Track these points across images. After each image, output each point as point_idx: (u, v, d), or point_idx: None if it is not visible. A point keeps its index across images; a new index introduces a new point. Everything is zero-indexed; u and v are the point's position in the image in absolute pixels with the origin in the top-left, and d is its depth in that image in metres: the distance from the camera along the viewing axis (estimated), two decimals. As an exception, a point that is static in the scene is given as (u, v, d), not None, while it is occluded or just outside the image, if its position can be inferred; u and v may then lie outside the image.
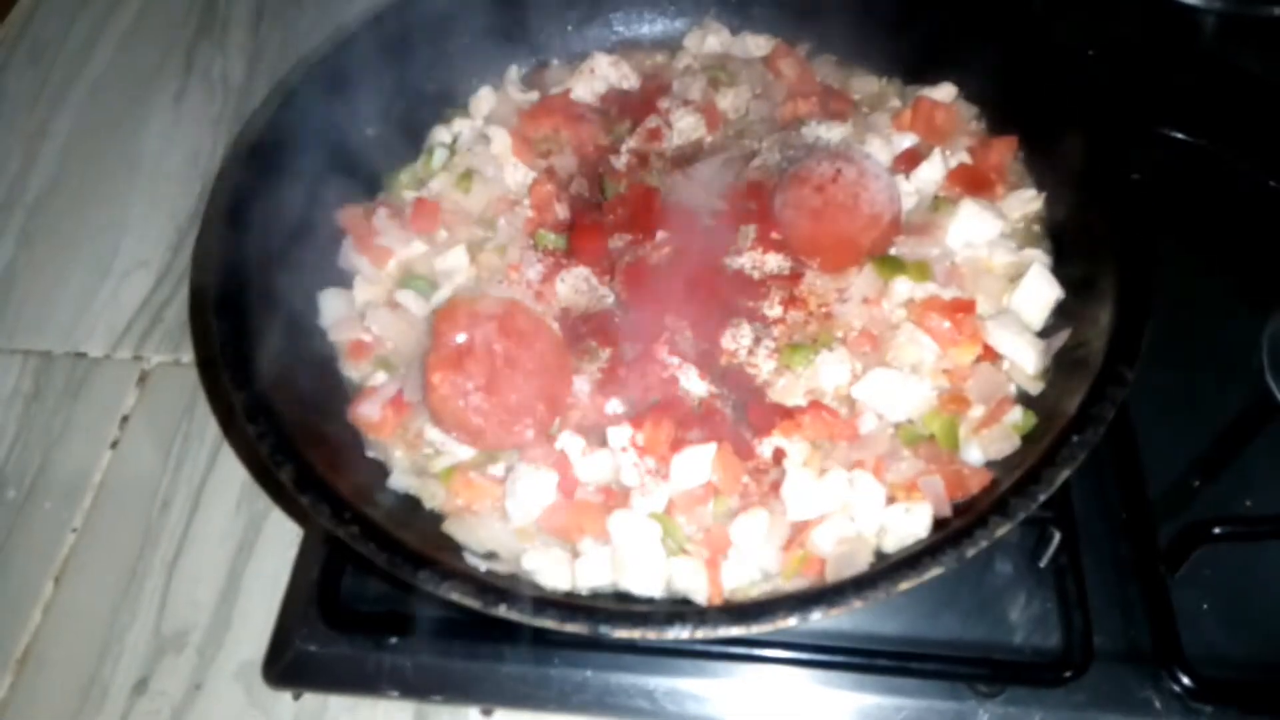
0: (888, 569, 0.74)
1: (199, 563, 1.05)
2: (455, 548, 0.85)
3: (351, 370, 0.99)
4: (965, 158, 1.07)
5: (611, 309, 1.00)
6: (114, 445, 1.15)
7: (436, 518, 0.88)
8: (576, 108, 1.17)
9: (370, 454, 0.93)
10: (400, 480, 0.91)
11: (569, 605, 0.74)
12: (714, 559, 0.83)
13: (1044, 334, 0.94)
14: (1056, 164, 1.02)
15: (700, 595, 0.81)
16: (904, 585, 0.72)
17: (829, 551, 0.83)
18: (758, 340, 0.95)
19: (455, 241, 1.06)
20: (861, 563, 0.81)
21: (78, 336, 1.25)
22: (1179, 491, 0.98)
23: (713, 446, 0.86)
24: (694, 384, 0.93)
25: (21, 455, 1.15)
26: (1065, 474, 0.76)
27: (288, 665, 0.92)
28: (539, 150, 1.14)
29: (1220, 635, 0.90)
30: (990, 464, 0.87)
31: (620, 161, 1.13)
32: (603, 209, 1.08)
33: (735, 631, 0.72)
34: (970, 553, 0.73)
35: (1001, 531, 0.74)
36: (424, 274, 1.04)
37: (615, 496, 0.87)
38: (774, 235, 1.02)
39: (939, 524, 0.83)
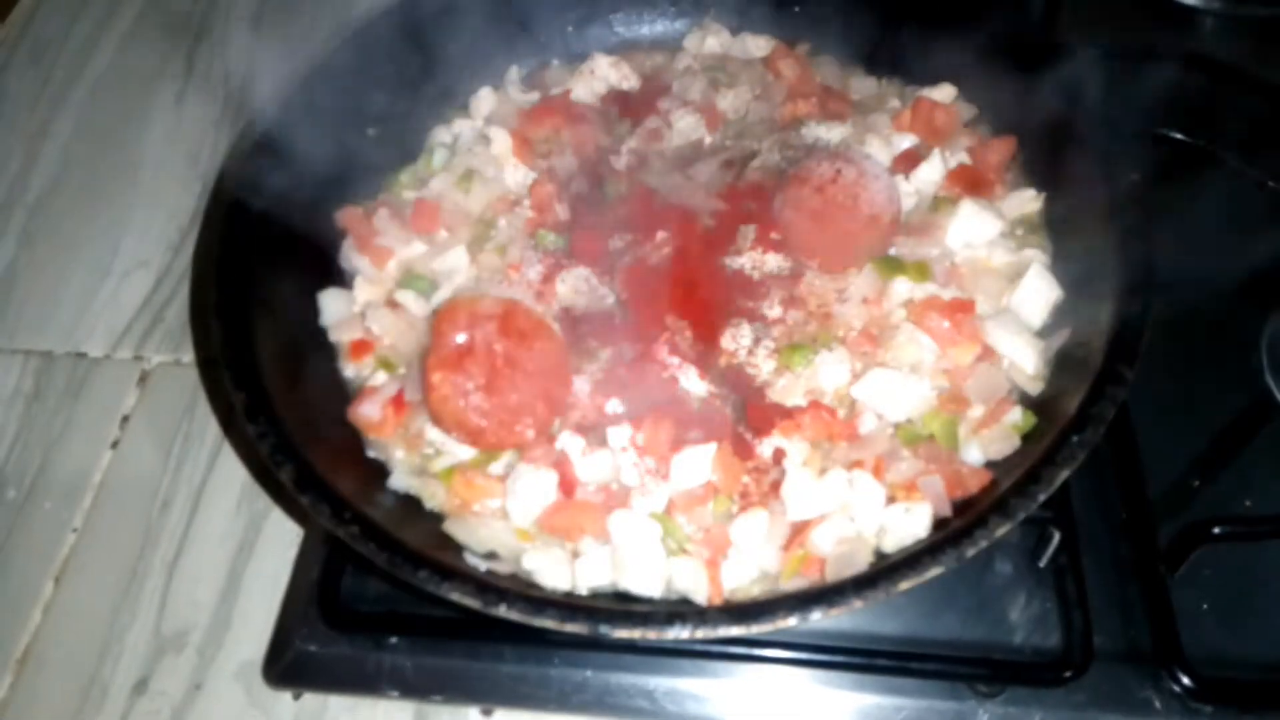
0: (887, 569, 0.74)
1: (199, 563, 1.05)
2: (455, 548, 0.85)
3: (352, 370, 0.99)
4: (965, 158, 1.07)
5: (611, 309, 1.00)
6: (114, 445, 1.15)
7: (437, 518, 0.89)
8: (577, 108, 1.17)
9: (370, 454, 0.93)
10: (400, 480, 0.91)
11: (569, 605, 0.74)
12: (714, 559, 0.83)
13: (1043, 334, 0.94)
14: (1056, 164, 1.02)
15: (700, 595, 0.81)
16: (904, 585, 0.72)
17: (829, 551, 0.83)
18: (757, 340, 0.95)
19: (455, 242, 1.06)
20: (861, 562, 0.81)
21: (78, 336, 1.25)
22: (1179, 491, 0.98)
23: (713, 446, 0.86)
24: (694, 384, 0.93)
25: (22, 455, 1.15)
26: (1065, 474, 0.76)
27: (288, 665, 0.92)
28: (539, 151, 1.14)
29: (1220, 635, 0.89)
30: (990, 464, 0.87)
31: (620, 162, 1.13)
32: (603, 209, 1.08)
33: (735, 631, 0.72)
34: (970, 553, 0.73)
35: (1001, 531, 0.74)
36: (424, 274, 1.04)
37: (615, 496, 0.87)
38: (774, 235, 1.02)
39: (939, 524, 0.83)
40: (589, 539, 0.85)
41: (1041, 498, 0.75)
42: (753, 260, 1.02)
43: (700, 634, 0.71)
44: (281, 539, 1.06)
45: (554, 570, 0.82)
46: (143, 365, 1.22)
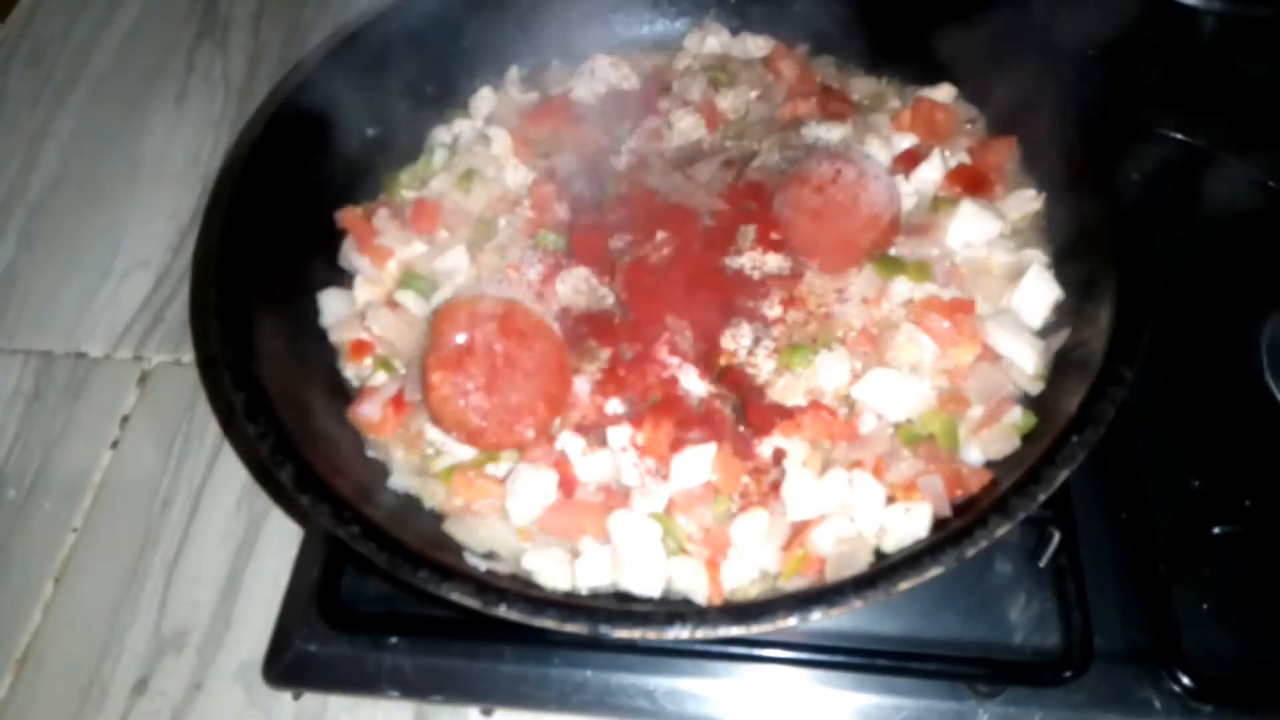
0: (887, 569, 0.74)
1: (199, 563, 1.05)
2: (455, 548, 0.85)
3: (352, 370, 0.99)
4: (965, 158, 1.07)
5: (611, 309, 1.00)
6: (114, 445, 1.15)
7: (437, 517, 0.89)
8: (577, 108, 1.17)
9: (370, 454, 0.93)
10: (400, 480, 0.91)
11: (569, 605, 0.74)
12: (714, 559, 0.83)
13: (1043, 334, 0.94)
14: (1056, 164, 1.02)
15: (700, 595, 0.81)
16: (904, 585, 0.72)
17: (829, 551, 0.83)
18: (757, 340, 0.95)
19: (456, 241, 1.06)
20: (861, 562, 0.81)
21: (78, 336, 1.25)
22: (1178, 491, 0.98)
23: (712, 446, 0.86)
24: (694, 384, 0.93)
25: (22, 455, 1.15)
26: (1065, 474, 0.76)
27: (288, 665, 0.92)
28: (539, 150, 1.14)
29: (1220, 635, 0.89)
30: (990, 464, 0.87)
31: (620, 162, 1.13)
32: (603, 209, 1.08)
33: (735, 631, 0.72)
34: (970, 552, 0.73)
35: (1001, 531, 0.74)
36: (424, 274, 1.04)
37: (615, 496, 0.87)
38: (774, 235, 1.02)
39: (939, 524, 0.83)
40: (589, 539, 0.85)
41: (1041, 498, 0.75)
42: (753, 260, 1.02)
43: (700, 634, 0.71)
44: (281, 539, 1.06)
45: (554, 570, 0.82)
46: (143, 365, 1.22)
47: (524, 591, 0.77)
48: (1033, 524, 0.90)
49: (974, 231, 1.00)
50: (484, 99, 1.17)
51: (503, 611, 0.72)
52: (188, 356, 1.22)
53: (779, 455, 0.88)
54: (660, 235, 1.03)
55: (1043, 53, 1.05)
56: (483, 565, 0.82)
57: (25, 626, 1.02)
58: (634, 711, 0.89)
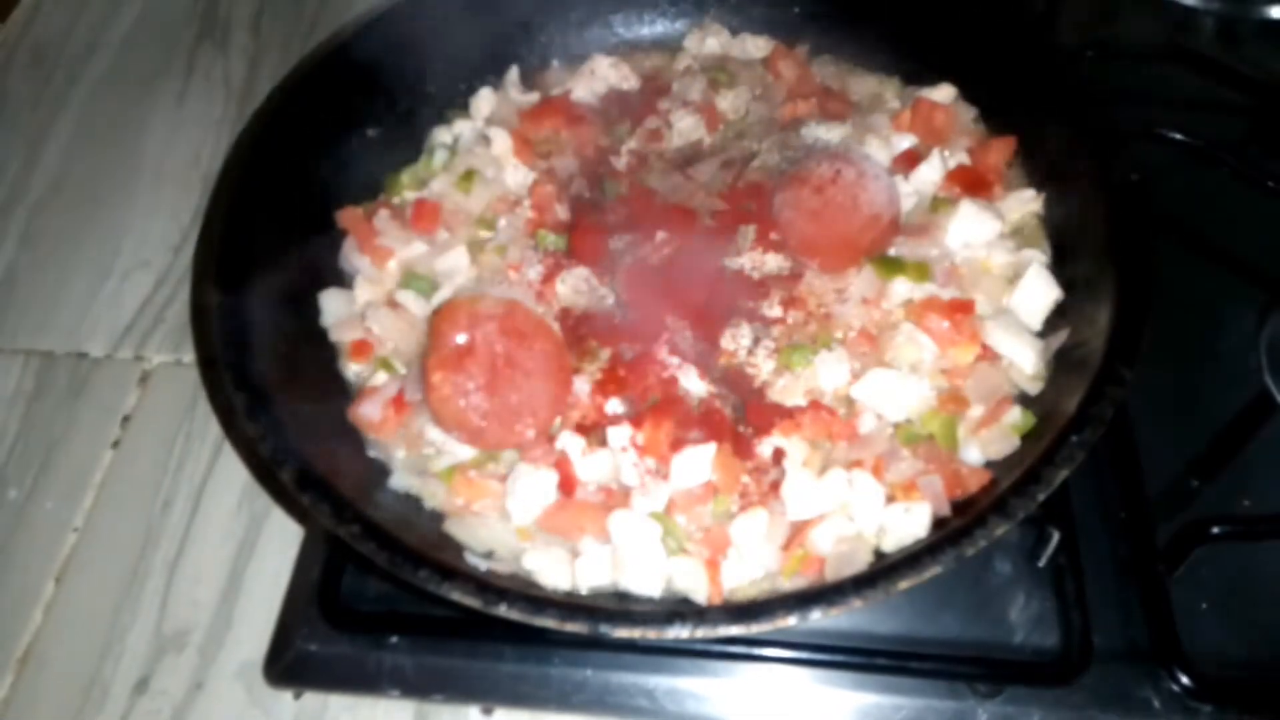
0: (887, 568, 0.74)
1: (200, 562, 1.05)
2: (456, 547, 0.85)
3: (352, 370, 0.99)
4: (964, 158, 1.07)
5: (611, 309, 1.00)
6: (115, 445, 1.15)
7: (437, 517, 0.89)
8: (577, 109, 1.17)
9: (371, 454, 0.93)
10: (401, 480, 0.91)
11: (569, 605, 0.74)
12: (714, 558, 0.83)
13: (1043, 334, 0.95)
14: (1055, 165, 1.02)
15: (700, 595, 0.82)
16: (903, 584, 0.72)
17: (828, 551, 0.83)
18: (757, 340, 0.96)
19: (456, 242, 1.06)
20: (861, 562, 0.81)
21: (79, 336, 1.26)
22: (1177, 491, 0.98)
23: (712, 446, 0.86)
24: (694, 384, 0.93)
25: (23, 455, 1.15)
26: (1064, 474, 0.76)
27: (288, 664, 0.92)
28: (539, 151, 1.14)
29: (1219, 634, 0.89)
30: (989, 464, 0.87)
31: (620, 162, 1.13)
32: (603, 210, 1.08)
33: (735, 631, 0.72)
34: (969, 552, 0.73)
35: (1000, 531, 0.74)
36: (425, 274, 1.04)
37: (615, 496, 0.88)
38: (773, 236, 1.03)
39: (938, 523, 0.83)
40: (589, 539, 0.85)
41: (1041, 497, 0.75)
42: (752, 260, 1.02)
43: (700, 633, 0.72)
44: (282, 539, 1.06)
45: (554, 570, 0.82)
46: (144, 365, 1.23)
47: (524, 591, 0.77)
48: (1032, 524, 0.90)
49: (973, 232, 1.00)
50: (484, 99, 1.18)
51: (503, 611, 0.72)
52: (188, 356, 1.22)
53: (779, 455, 0.88)
54: (660, 235, 1.03)
55: (1042, 52, 1.05)
56: (483, 565, 0.82)
57: (26, 626, 1.02)
58: (634, 711, 0.89)
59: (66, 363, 1.23)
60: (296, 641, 0.92)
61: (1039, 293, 0.95)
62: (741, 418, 0.91)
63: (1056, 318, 0.95)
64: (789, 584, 0.82)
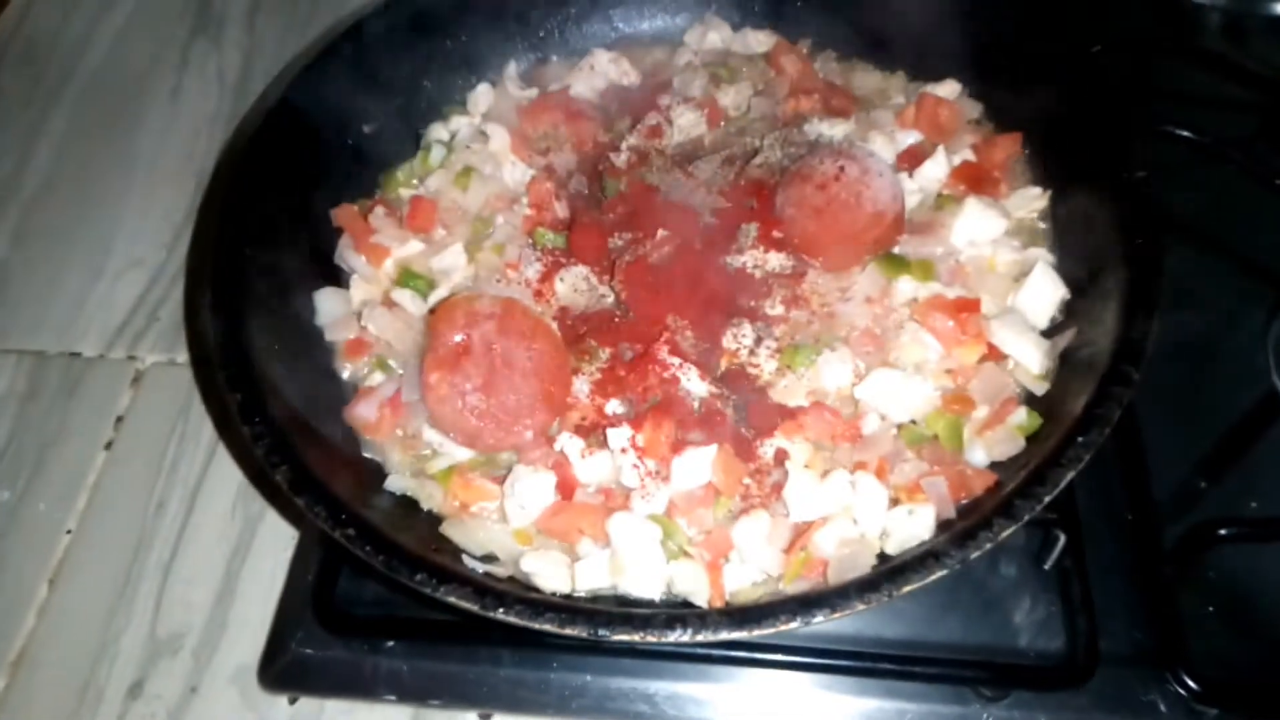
0: (891, 571, 0.74)
1: (194, 565, 1.05)
2: (453, 550, 0.84)
3: (348, 370, 0.98)
4: (969, 155, 1.06)
5: (611, 308, 0.99)
6: (108, 446, 1.14)
7: (434, 519, 0.88)
8: (576, 104, 1.16)
9: (367, 455, 0.92)
10: (397, 481, 0.90)
11: (568, 608, 0.73)
12: (715, 561, 0.82)
13: (1049, 334, 0.93)
14: (1061, 162, 1.01)
15: (701, 598, 0.81)
16: (907, 588, 0.71)
17: (831, 554, 0.82)
18: (759, 340, 0.94)
19: (453, 240, 1.05)
20: (864, 565, 0.80)
21: (72, 336, 1.24)
22: (1184, 493, 0.97)
23: (714, 448, 0.85)
24: (695, 384, 0.92)
25: (16, 456, 1.14)
26: (1070, 475, 0.75)
27: (283, 669, 0.91)
28: (538, 147, 1.13)
29: (1225, 638, 0.89)
30: (994, 465, 0.87)
31: (620, 159, 1.12)
32: (602, 207, 1.07)
33: (736, 635, 0.71)
34: (974, 555, 0.72)
35: (1006, 533, 0.73)
36: (421, 273, 1.03)
37: (615, 498, 0.87)
38: (776, 234, 1.02)
39: (942, 526, 0.82)
40: (588, 541, 0.84)
41: (1046, 499, 0.74)
42: (754, 259, 1.01)
43: (701, 638, 0.71)
44: (277, 541, 1.05)
45: (553, 573, 0.81)
46: (137, 365, 1.22)
47: (523, 594, 0.76)
48: (1037, 526, 0.89)
49: (979, 229, 0.99)
50: (482, 95, 1.16)
51: (501, 615, 0.72)
52: (182, 356, 1.21)
53: (781, 456, 0.87)
54: (661, 233, 1.02)
55: (1048, 49, 1.04)
56: (481, 568, 0.82)
57: (19, 629, 1.01)
58: (634, 716, 0.88)
59: (59, 363, 1.22)
60: (291, 646, 0.91)
61: (1045, 292, 0.94)
62: (743, 419, 0.90)
63: (1062, 317, 0.94)
64: (791, 587, 0.81)
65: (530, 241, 1.04)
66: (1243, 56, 1.25)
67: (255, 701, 0.95)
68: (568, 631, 0.71)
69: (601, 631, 0.71)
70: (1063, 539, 0.89)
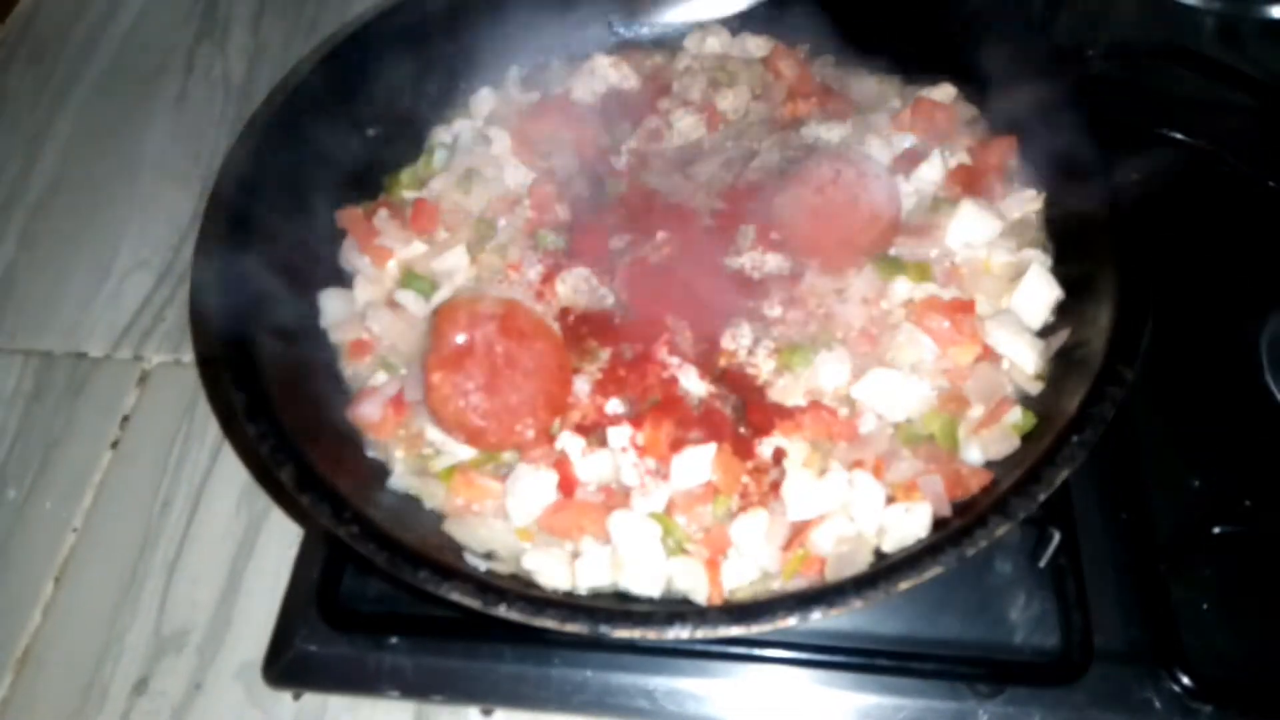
0: (887, 568, 0.74)
1: (199, 563, 1.05)
2: (455, 548, 0.85)
3: (352, 370, 0.99)
4: (964, 158, 1.07)
5: (611, 309, 1.00)
6: (114, 445, 1.15)
7: (437, 517, 0.88)
8: (577, 108, 1.17)
9: (371, 454, 0.93)
10: (400, 480, 0.91)
11: (569, 605, 0.74)
12: (714, 559, 0.83)
13: (1043, 334, 0.94)
14: (1056, 164, 1.02)
15: (700, 595, 0.81)
16: (904, 585, 0.72)
17: (829, 551, 0.83)
18: (757, 340, 0.95)
19: (455, 241, 1.06)
20: (861, 562, 0.81)
21: (78, 336, 1.25)
22: (1178, 491, 0.97)
23: (712, 446, 0.86)
24: (694, 384, 0.93)
25: (22, 455, 1.15)
26: (1065, 474, 0.76)
27: (288, 665, 0.92)
28: (539, 150, 1.14)
29: (1220, 635, 0.89)
30: (990, 464, 0.87)
31: (620, 162, 1.13)
32: (603, 209, 1.08)
33: (735, 631, 0.72)
34: (970, 552, 0.73)
35: (1001, 531, 0.74)
36: (424, 274, 1.04)
37: (615, 496, 0.87)
38: (774, 235, 1.02)
39: (939, 524, 0.83)
40: (589, 539, 0.85)
41: (1041, 498, 0.75)
42: (753, 260, 1.02)
43: (700, 634, 0.71)
44: (281, 539, 1.06)
45: (554, 570, 0.82)
46: (143, 365, 1.22)
47: (524, 591, 0.77)
48: (1033, 524, 0.90)
49: (974, 231, 1.00)
50: (484, 99, 1.17)
51: (503, 611, 0.72)
52: (188, 356, 1.22)
53: (779, 455, 0.88)
54: (660, 235, 1.03)
55: (1042, 52, 1.05)
56: (483, 565, 0.82)
57: (25, 626, 1.02)
58: (634, 711, 0.89)
59: (65, 363, 1.23)
60: (296, 642, 0.92)
61: (1040, 293, 0.95)
62: (742, 418, 0.91)
63: (1057, 317, 0.95)
64: (789, 584, 0.82)
65: (532, 243, 1.05)
66: (1237, 60, 1.26)
67: (260, 697, 0.96)
68: (568, 628, 0.71)
69: (602, 628, 0.71)
70: (1057, 536, 0.90)
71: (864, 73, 1.20)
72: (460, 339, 0.90)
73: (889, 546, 0.83)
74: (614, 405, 0.92)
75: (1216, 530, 0.92)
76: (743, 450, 0.88)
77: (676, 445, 0.87)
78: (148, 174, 1.41)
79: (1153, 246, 0.87)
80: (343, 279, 1.05)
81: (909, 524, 0.82)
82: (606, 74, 1.20)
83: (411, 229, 1.06)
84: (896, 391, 0.90)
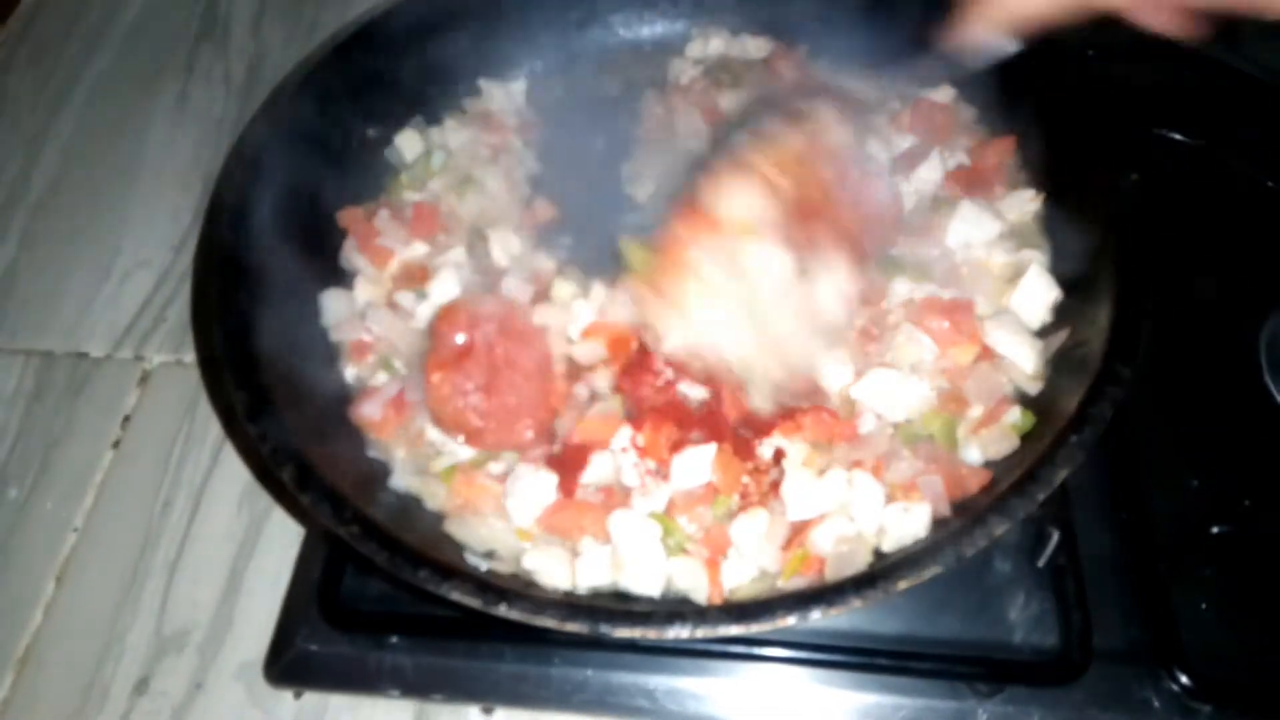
0: (887, 568, 0.74)
1: (200, 562, 1.06)
2: (456, 547, 0.85)
3: (353, 370, 0.99)
4: (964, 159, 1.07)
5: (611, 309, 1.00)
6: (116, 445, 1.15)
7: (437, 517, 0.89)
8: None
9: (371, 454, 0.93)
10: (401, 480, 0.91)
11: (569, 605, 0.74)
12: (714, 559, 0.83)
13: (1042, 334, 0.94)
14: (1055, 164, 1.02)
15: (700, 594, 0.82)
16: (903, 584, 0.72)
17: (828, 551, 0.83)
18: (757, 340, 0.95)
19: (455, 243, 1.06)
20: (860, 562, 0.81)
21: (79, 336, 1.26)
22: (1177, 491, 0.98)
23: (713, 447, 0.86)
24: (693, 388, 0.93)
25: (23, 455, 1.15)
26: (1064, 474, 0.76)
27: (289, 664, 0.92)
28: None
29: (1219, 634, 0.89)
30: (989, 464, 0.87)
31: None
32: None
33: (735, 630, 0.72)
34: (969, 552, 0.73)
35: (1000, 531, 0.74)
36: (424, 275, 1.04)
37: (615, 496, 0.87)
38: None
39: (938, 523, 0.83)
40: (589, 539, 0.85)
41: (1040, 497, 0.75)
42: (752, 260, 1.02)
43: (700, 633, 0.72)
44: (282, 539, 1.06)
45: (554, 570, 0.82)
46: (144, 365, 1.23)
47: (524, 591, 0.77)
48: (1032, 523, 0.90)
49: (973, 232, 1.00)
50: (484, 100, 1.18)
51: (503, 611, 0.72)
52: (189, 356, 1.22)
53: (779, 455, 0.88)
54: (660, 236, 1.03)
55: (1041, 53, 1.05)
56: (483, 565, 0.82)
57: (26, 626, 1.02)
58: (634, 711, 0.89)
59: (66, 363, 1.23)
60: (297, 641, 0.92)
61: (1039, 293, 0.95)
62: (741, 418, 0.91)
63: (1056, 317, 0.95)
64: (789, 584, 0.82)
65: (531, 245, 1.05)
66: (1235, 59, 1.26)
67: (260, 697, 0.96)
68: (569, 627, 0.72)
69: (602, 627, 0.71)
70: (1057, 536, 0.90)
71: (863, 74, 1.20)
72: (460, 340, 0.90)
73: (888, 546, 0.83)
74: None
75: (1216, 530, 0.92)
76: (743, 451, 0.88)
77: (677, 446, 0.87)
78: (148, 174, 1.42)
79: (1152, 246, 0.87)
80: (343, 279, 1.05)
81: (908, 524, 0.83)
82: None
83: (411, 231, 1.06)
84: (896, 391, 0.90)
